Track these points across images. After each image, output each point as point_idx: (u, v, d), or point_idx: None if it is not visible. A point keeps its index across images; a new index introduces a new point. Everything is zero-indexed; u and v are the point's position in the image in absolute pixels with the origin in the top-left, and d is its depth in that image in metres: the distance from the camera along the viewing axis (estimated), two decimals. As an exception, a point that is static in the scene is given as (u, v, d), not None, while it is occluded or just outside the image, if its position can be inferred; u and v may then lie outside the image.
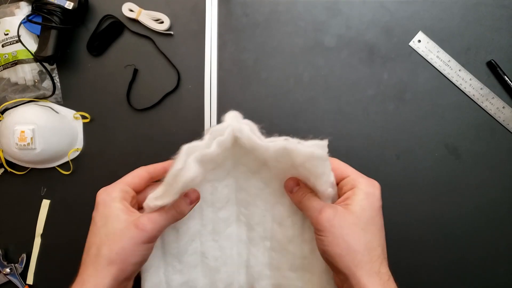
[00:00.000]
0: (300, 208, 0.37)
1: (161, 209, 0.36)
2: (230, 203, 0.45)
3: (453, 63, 0.53)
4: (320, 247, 0.34)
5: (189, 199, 0.38)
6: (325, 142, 0.34)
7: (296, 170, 0.36)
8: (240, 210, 0.45)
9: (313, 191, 0.37)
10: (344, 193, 0.36)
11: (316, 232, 0.34)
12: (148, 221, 0.35)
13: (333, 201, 0.37)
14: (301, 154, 0.33)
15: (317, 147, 0.34)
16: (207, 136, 0.37)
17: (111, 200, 0.36)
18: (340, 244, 0.32)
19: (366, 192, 0.35)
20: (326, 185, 0.35)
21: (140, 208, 0.39)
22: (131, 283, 0.37)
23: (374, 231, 0.34)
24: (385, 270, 0.34)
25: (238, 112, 0.39)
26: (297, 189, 0.37)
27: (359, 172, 0.37)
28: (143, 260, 0.36)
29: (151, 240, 0.35)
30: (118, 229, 0.34)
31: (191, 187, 0.37)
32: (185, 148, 0.35)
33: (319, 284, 0.40)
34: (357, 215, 0.33)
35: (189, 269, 0.44)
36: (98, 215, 0.37)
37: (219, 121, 0.56)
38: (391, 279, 0.34)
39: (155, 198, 0.36)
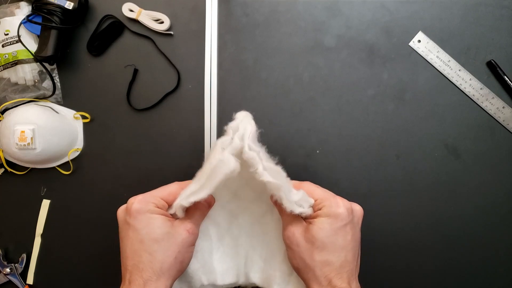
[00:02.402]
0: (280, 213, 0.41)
1: (192, 213, 0.39)
2: (236, 198, 0.48)
3: (453, 63, 0.53)
4: (289, 259, 0.39)
5: (207, 203, 0.42)
6: (278, 168, 0.37)
7: None
8: (245, 204, 0.48)
9: (292, 212, 0.39)
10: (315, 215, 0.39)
11: (286, 246, 0.39)
12: (195, 226, 0.38)
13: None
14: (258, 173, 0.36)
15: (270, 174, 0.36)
16: (230, 131, 0.39)
17: (150, 210, 0.37)
18: (297, 259, 0.37)
19: (327, 213, 0.37)
20: (289, 206, 0.37)
21: None
22: None
23: (332, 249, 0.36)
24: (339, 282, 0.36)
25: (250, 116, 0.40)
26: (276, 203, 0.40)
27: (327, 194, 0.39)
28: (190, 260, 0.39)
29: (195, 243, 0.39)
30: (170, 235, 0.36)
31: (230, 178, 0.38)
32: (219, 142, 0.37)
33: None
34: (313, 234, 0.36)
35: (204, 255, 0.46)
36: (139, 223, 0.36)
37: (219, 121, 0.56)
38: None
39: (190, 194, 0.37)
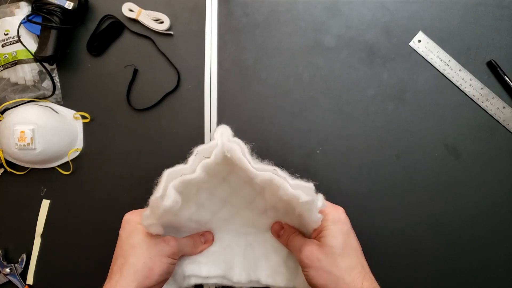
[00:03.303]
0: (289, 249, 0.41)
1: (182, 238, 0.42)
2: (228, 204, 0.47)
3: (453, 63, 0.53)
4: (308, 281, 0.37)
5: (204, 238, 0.45)
6: (311, 185, 0.36)
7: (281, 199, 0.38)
8: (237, 210, 0.48)
9: (296, 230, 0.40)
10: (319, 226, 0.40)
11: (302, 269, 0.38)
12: (172, 239, 0.40)
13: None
14: (288, 194, 0.35)
15: (303, 192, 0.35)
16: (192, 158, 0.38)
17: (137, 222, 0.40)
18: (322, 275, 0.36)
19: (332, 220, 0.38)
20: (313, 223, 0.38)
21: None
22: None
23: (350, 253, 0.37)
24: (368, 283, 0.36)
25: (227, 127, 0.40)
26: (282, 232, 0.41)
27: (324, 200, 0.40)
28: (167, 273, 0.39)
29: (174, 256, 0.40)
30: (145, 242, 0.38)
31: (172, 213, 0.38)
32: (166, 173, 0.36)
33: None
34: (331, 245, 0.37)
35: (196, 257, 0.46)
36: (124, 232, 0.40)
37: (219, 121, 0.56)
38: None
39: (145, 217, 0.37)
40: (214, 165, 0.38)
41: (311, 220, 0.37)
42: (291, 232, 0.40)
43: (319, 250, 0.37)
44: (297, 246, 0.38)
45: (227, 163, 0.39)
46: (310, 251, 0.37)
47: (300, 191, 0.35)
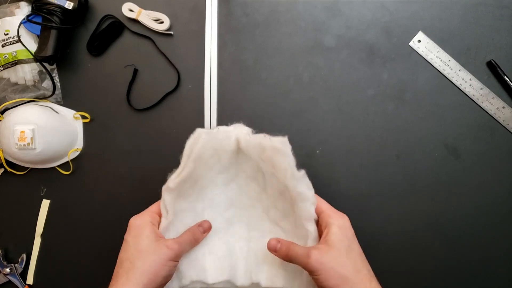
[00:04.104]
0: (288, 261, 0.41)
1: (182, 235, 0.44)
2: (234, 206, 0.49)
3: (453, 63, 0.53)
4: (318, 285, 0.38)
5: (202, 228, 0.46)
6: (284, 139, 0.40)
7: (275, 171, 0.42)
8: (242, 212, 0.49)
9: (293, 243, 0.41)
10: (322, 231, 0.42)
11: (311, 274, 0.39)
12: (175, 243, 0.41)
13: (315, 238, 0.42)
14: (267, 147, 0.41)
15: (278, 142, 0.40)
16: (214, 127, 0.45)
17: (143, 225, 0.42)
18: (333, 276, 0.37)
19: (338, 225, 0.40)
20: (301, 191, 0.41)
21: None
22: None
23: (355, 256, 0.39)
24: (375, 285, 0.38)
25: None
26: (279, 246, 0.41)
27: (331, 207, 0.43)
28: (169, 275, 0.41)
29: (176, 259, 0.41)
30: (151, 247, 0.40)
31: (203, 158, 0.43)
32: (197, 129, 0.43)
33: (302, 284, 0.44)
34: (338, 247, 0.39)
35: (202, 263, 0.48)
36: (130, 236, 0.42)
37: (219, 121, 0.56)
38: None
39: (175, 176, 0.42)
40: (230, 143, 0.43)
41: (290, 180, 0.41)
42: (289, 244, 0.41)
43: (327, 253, 0.38)
44: (302, 253, 0.39)
45: (238, 154, 0.45)
46: (319, 254, 0.38)
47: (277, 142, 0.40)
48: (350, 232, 0.41)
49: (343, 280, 0.37)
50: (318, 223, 0.43)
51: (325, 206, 0.43)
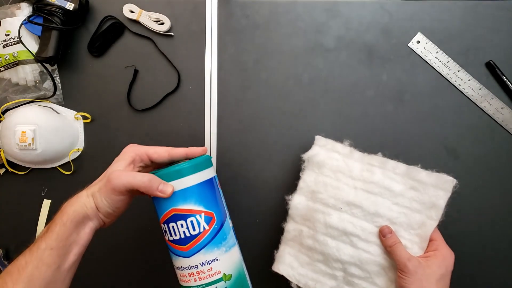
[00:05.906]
0: (389, 251, 0.46)
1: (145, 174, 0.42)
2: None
3: (452, 64, 0.53)
4: (401, 283, 0.44)
5: (163, 185, 0.41)
6: (451, 179, 0.46)
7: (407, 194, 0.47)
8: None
9: (401, 242, 0.46)
10: (428, 251, 0.46)
11: (401, 272, 0.44)
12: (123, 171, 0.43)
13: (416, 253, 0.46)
14: (431, 177, 0.46)
15: (444, 180, 0.46)
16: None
17: (124, 158, 0.45)
18: (417, 284, 0.42)
19: (443, 255, 0.45)
20: (436, 217, 0.46)
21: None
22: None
23: (443, 286, 0.44)
24: None
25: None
26: (390, 236, 0.45)
27: (443, 239, 0.47)
28: (129, 189, 0.41)
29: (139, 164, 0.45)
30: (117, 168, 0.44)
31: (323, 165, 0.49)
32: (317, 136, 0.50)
33: None
34: (434, 270, 0.43)
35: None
36: (115, 161, 0.45)
37: (219, 121, 0.56)
38: None
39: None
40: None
41: (435, 214, 0.46)
42: (398, 240, 0.45)
43: (425, 267, 0.43)
44: (405, 255, 0.44)
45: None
46: (418, 263, 0.43)
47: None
48: (450, 268, 0.44)
49: None
50: (427, 246, 0.47)
51: (438, 236, 0.47)
